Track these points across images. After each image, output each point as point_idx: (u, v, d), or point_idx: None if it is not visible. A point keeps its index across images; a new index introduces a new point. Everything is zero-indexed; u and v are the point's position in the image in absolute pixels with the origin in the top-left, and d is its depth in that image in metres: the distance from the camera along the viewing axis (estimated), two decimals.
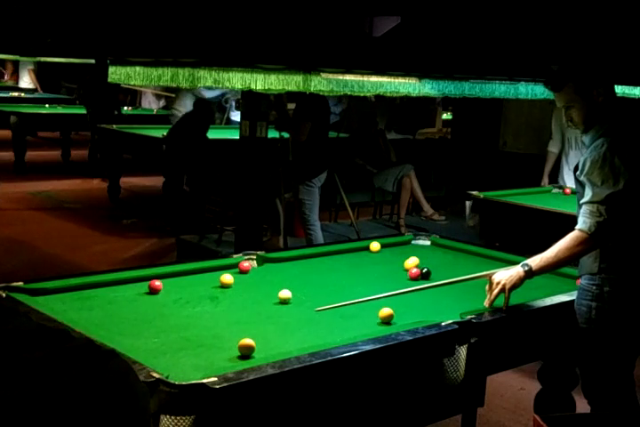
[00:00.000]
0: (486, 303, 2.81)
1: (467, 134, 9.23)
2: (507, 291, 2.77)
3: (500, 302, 2.80)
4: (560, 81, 2.87)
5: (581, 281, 2.90)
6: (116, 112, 10.20)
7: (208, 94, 10.00)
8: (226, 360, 2.25)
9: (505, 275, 2.80)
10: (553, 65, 3.08)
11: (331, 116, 6.85)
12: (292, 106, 6.12)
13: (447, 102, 11.96)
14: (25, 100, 12.97)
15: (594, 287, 2.82)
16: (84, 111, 11.52)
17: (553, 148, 6.46)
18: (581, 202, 2.78)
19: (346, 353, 2.25)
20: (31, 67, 14.37)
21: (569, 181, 6.10)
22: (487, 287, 2.84)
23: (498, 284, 2.79)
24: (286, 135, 6.08)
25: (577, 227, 2.75)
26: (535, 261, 2.79)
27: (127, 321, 2.59)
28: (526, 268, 2.78)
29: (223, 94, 10.72)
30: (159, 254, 6.78)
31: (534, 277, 2.82)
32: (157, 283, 2.93)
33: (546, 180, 6.45)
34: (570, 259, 2.78)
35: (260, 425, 2.11)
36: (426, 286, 2.98)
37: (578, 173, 2.84)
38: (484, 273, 2.91)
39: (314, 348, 2.27)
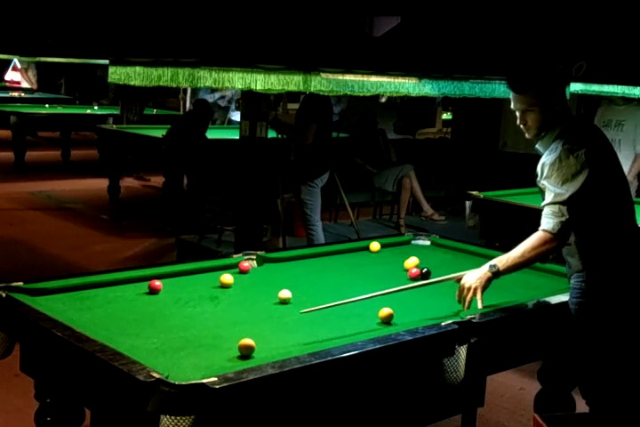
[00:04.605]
0: (464, 309, 2.80)
1: (467, 134, 9.22)
2: (479, 294, 2.77)
3: (474, 304, 2.79)
4: (526, 83, 2.86)
5: (571, 280, 2.93)
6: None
7: (209, 99, 10.01)
8: (226, 360, 2.25)
9: (473, 278, 2.80)
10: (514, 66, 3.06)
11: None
12: (292, 106, 6.12)
13: (447, 102, 11.96)
14: (25, 100, 12.99)
15: (582, 284, 2.86)
16: (84, 111, 11.54)
17: None
18: (543, 204, 2.82)
19: (346, 353, 2.25)
20: (25, 66, 14.40)
21: None
22: (457, 293, 2.83)
23: (469, 289, 2.78)
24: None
25: (541, 227, 2.79)
26: (502, 261, 2.81)
27: (127, 321, 2.59)
28: (494, 269, 2.79)
29: (223, 96, 10.78)
30: (159, 254, 6.78)
31: (501, 276, 2.82)
32: (157, 283, 2.93)
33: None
34: (536, 258, 2.82)
35: (260, 425, 2.12)
36: (396, 289, 2.89)
37: (537, 178, 2.87)
38: (452, 276, 2.91)
39: (314, 348, 2.27)
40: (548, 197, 2.79)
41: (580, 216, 2.77)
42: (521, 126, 2.94)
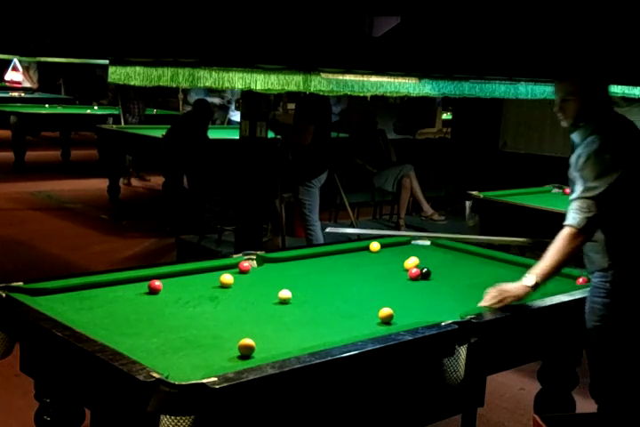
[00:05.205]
0: (481, 304, 2.80)
1: (467, 134, 9.23)
2: (505, 303, 2.77)
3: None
4: (568, 71, 2.88)
5: (593, 279, 2.91)
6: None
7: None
8: (226, 360, 2.25)
9: (512, 288, 2.78)
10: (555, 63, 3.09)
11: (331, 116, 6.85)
12: (292, 106, 6.13)
13: (447, 102, 11.96)
14: (25, 100, 12.99)
15: (607, 284, 2.84)
16: (84, 111, 11.52)
17: None
18: (572, 197, 2.80)
19: (346, 353, 2.25)
20: (26, 65, 14.42)
21: None
22: (490, 290, 2.81)
23: (501, 292, 2.77)
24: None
25: (566, 222, 2.77)
26: (537, 273, 2.78)
27: (127, 321, 2.59)
28: (531, 282, 2.76)
29: (222, 97, 10.77)
30: (159, 254, 6.78)
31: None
32: (157, 283, 2.93)
33: None
34: (568, 257, 2.79)
35: (260, 425, 2.12)
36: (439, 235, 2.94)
37: (570, 169, 2.87)
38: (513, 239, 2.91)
39: (314, 348, 2.27)
40: (578, 191, 2.77)
41: (611, 214, 2.76)
42: (558, 115, 2.95)
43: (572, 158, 2.87)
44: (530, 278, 2.77)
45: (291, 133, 5.91)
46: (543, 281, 2.79)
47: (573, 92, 2.87)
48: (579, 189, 2.77)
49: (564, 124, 2.96)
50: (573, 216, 2.74)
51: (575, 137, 2.93)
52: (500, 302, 2.76)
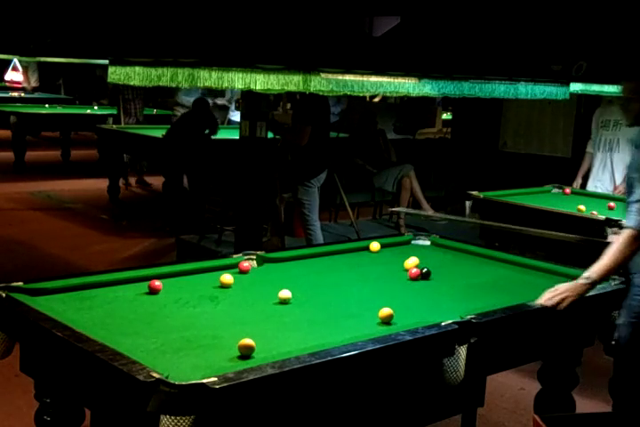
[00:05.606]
0: (539, 301, 2.84)
1: (467, 134, 9.23)
2: (566, 302, 2.80)
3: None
4: (632, 72, 2.93)
5: (634, 279, 2.99)
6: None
7: (188, 99, 9.94)
8: (226, 360, 2.25)
9: (571, 287, 2.83)
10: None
11: (330, 116, 6.86)
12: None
13: (447, 102, 11.97)
14: (25, 100, 13.00)
15: None
16: (84, 111, 11.53)
17: (591, 149, 6.35)
18: (631, 199, 2.84)
19: (346, 353, 2.25)
20: (26, 65, 14.45)
21: (598, 183, 6.08)
22: (549, 290, 2.85)
23: (561, 293, 2.81)
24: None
25: (627, 224, 2.83)
26: (595, 270, 2.84)
27: (127, 321, 2.59)
28: (589, 280, 2.82)
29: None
30: (159, 254, 6.78)
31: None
32: (157, 283, 2.93)
33: (579, 181, 6.32)
34: (627, 258, 2.85)
35: (260, 425, 2.12)
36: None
37: (629, 170, 2.91)
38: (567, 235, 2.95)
39: (314, 348, 2.27)
40: (637, 194, 2.82)
41: None
42: (625, 114, 3.01)
43: (632, 160, 2.91)
44: (588, 276, 2.84)
45: (288, 134, 5.92)
46: (601, 279, 2.86)
47: (636, 92, 2.91)
48: (638, 191, 2.80)
49: (625, 122, 3.02)
50: (634, 218, 2.79)
51: (636, 138, 2.97)
52: (561, 300, 2.80)
